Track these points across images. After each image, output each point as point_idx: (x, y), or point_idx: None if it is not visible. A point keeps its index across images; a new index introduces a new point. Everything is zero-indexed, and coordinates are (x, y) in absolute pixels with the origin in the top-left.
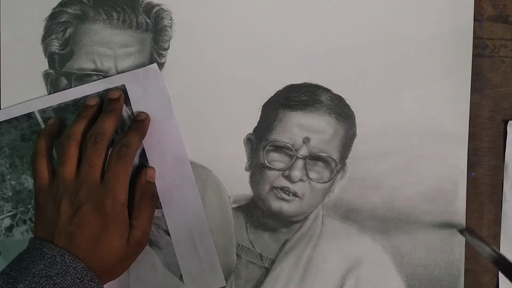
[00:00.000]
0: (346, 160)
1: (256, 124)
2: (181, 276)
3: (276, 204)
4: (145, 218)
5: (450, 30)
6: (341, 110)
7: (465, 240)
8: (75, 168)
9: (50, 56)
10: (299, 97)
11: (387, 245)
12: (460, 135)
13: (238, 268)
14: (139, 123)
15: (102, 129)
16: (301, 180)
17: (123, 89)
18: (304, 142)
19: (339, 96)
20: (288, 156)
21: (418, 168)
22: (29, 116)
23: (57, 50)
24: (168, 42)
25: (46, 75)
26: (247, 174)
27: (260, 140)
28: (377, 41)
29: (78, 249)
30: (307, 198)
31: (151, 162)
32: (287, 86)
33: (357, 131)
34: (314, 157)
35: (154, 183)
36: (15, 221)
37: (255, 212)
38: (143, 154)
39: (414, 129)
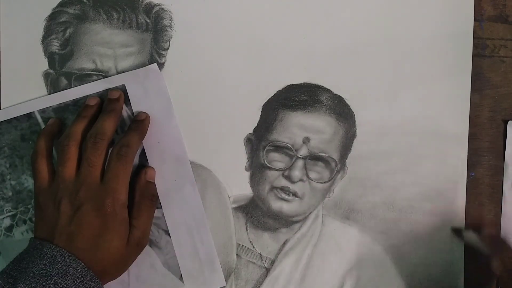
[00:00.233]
0: (346, 160)
1: (256, 124)
2: (181, 276)
3: (276, 204)
4: (145, 218)
5: (450, 30)
6: (341, 110)
7: (465, 240)
8: (75, 168)
9: (50, 56)
10: (299, 97)
11: (387, 245)
12: (460, 135)
13: (238, 268)
14: (139, 123)
15: (102, 129)
16: (301, 180)
17: (123, 89)
18: (304, 142)
19: (339, 96)
20: (288, 156)
21: (418, 168)
22: (29, 116)
23: (57, 50)
24: (168, 42)
25: (46, 75)
26: (247, 174)
27: (260, 140)
28: (377, 41)
29: (78, 249)
30: (307, 198)
31: (151, 162)
32: (287, 86)
33: (357, 131)
34: (314, 157)
35: (154, 183)
36: (15, 221)
37: (255, 212)
38: (143, 154)
39: (414, 129)
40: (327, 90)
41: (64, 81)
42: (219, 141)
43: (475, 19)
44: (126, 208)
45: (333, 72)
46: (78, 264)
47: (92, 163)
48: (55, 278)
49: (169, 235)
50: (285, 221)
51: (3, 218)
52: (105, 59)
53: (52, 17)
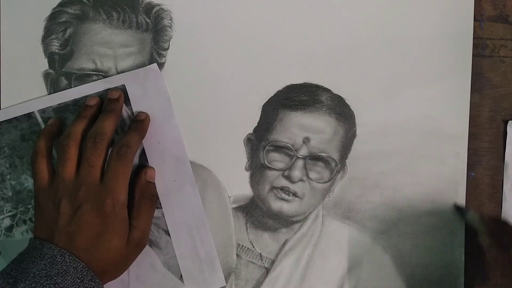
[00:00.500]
0: (346, 160)
1: (256, 124)
2: (181, 276)
3: (276, 204)
4: (145, 218)
5: (450, 30)
6: (341, 110)
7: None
8: (75, 168)
9: (50, 56)
10: (299, 97)
11: (387, 245)
12: (460, 135)
13: (238, 268)
14: (139, 123)
15: (102, 129)
16: (301, 180)
17: (123, 89)
18: (304, 142)
19: (339, 96)
20: (288, 156)
21: (418, 168)
22: (29, 116)
23: (57, 50)
24: (168, 42)
25: (46, 75)
26: (247, 174)
27: (260, 140)
28: (377, 41)
29: (78, 249)
30: (307, 198)
31: (151, 162)
32: (287, 86)
33: (357, 131)
34: (314, 157)
35: (154, 183)
36: (15, 221)
37: (255, 212)
38: (143, 154)
39: (414, 129)
40: (327, 90)
41: (64, 81)
42: (219, 141)
43: (475, 19)
44: (126, 208)
45: (333, 72)
46: (78, 264)
47: (92, 163)
48: (55, 278)
49: (169, 235)
50: (285, 221)
51: (3, 218)
52: (105, 59)
53: (52, 17)
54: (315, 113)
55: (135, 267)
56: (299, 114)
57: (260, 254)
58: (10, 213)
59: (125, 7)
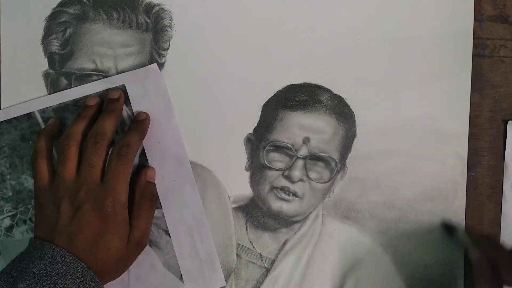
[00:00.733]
0: (346, 160)
1: (256, 124)
2: (181, 276)
3: (276, 204)
4: (145, 218)
5: (450, 30)
6: (341, 110)
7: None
8: (75, 168)
9: (50, 56)
10: (299, 97)
11: (387, 245)
12: (460, 135)
13: (238, 268)
14: (139, 123)
15: (102, 129)
16: (301, 180)
17: (123, 89)
18: (304, 142)
19: (339, 96)
20: (288, 156)
21: (418, 168)
22: (29, 116)
23: (57, 50)
24: (168, 42)
25: (46, 75)
26: (247, 174)
27: (260, 140)
28: (377, 41)
29: (78, 249)
30: (307, 198)
31: (151, 162)
32: (287, 86)
33: (357, 131)
34: (314, 157)
35: (154, 183)
36: (15, 221)
37: (255, 212)
38: (143, 154)
39: (414, 129)
40: (327, 90)
41: (64, 81)
42: (219, 141)
43: (475, 19)
44: (126, 208)
45: (333, 72)
46: (78, 264)
47: (92, 163)
48: (55, 278)
49: (169, 235)
50: (285, 221)
51: (3, 218)
52: (105, 59)
53: (52, 17)
54: (315, 113)
55: (135, 267)
56: (299, 114)
57: (260, 254)
58: (10, 213)
59: (125, 7)
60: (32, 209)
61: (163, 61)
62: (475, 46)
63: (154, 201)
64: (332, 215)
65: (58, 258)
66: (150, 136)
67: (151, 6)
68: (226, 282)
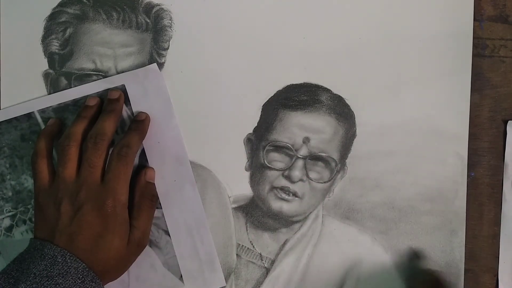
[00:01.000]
0: (346, 160)
1: (256, 124)
2: (181, 276)
3: (276, 204)
4: (145, 219)
5: (450, 30)
6: (341, 110)
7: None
8: (76, 168)
9: (50, 56)
10: (299, 97)
11: (387, 245)
12: (460, 135)
13: (238, 268)
14: (139, 123)
15: (102, 129)
16: (301, 180)
17: (123, 89)
18: (304, 142)
19: (339, 96)
20: (288, 156)
21: (418, 168)
22: (29, 116)
23: (57, 50)
24: (168, 42)
25: (46, 75)
26: (247, 174)
27: (260, 140)
28: (377, 41)
29: (79, 250)
30: (307, 198)
31: (151, 162)
32: (287, 86)
33: (357, 131)
34: (314, 157)
35: (154, 183)
36: (15, 221)
37: (255, 212)
38: (143, 154)
39: (414, 129)
40: (327, 90)
41: (64, 81)
42: (219, 141)
43: (475, 19)
44: (126, 208)
45: (333, 72)
46: (79, 265)
47: (92, 163)
48: (56, 278)
49: (169, 235)
50: (285, 221)
51: (3, 218)
52: (105, 59)
53: (52, 17)
54: (315, 113)
55: (135, 267)
56: (299, 114)
57: (260, 254)
58: (10, 213)
59: (125, 7)
60: (32, 209)
61: (163, 61)
62: (475, 46)
63: (154, 201)
64: (332, 215)
65: (59, 259)
66: (150, 136)
67: (151, 6)
68: (226, 282)
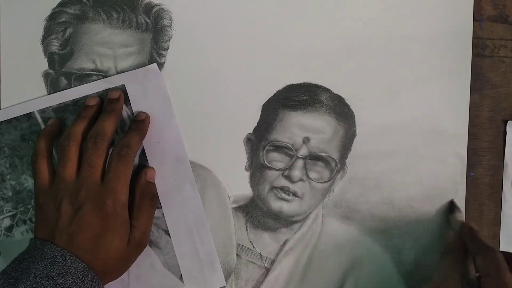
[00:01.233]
0: (346, 160)
1: (256, 124)
2: (181, 276)
3: (276, 204)
4: (145, 218)
5: (450, 30)
6: (341, 110)
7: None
8: (76, 168)
9: (50, 56)
10: (299, 97)
11: (387, 245)
12: (460, 135)
13: (238, 268)
14: (139, 123)
15: (102, 129)
16: (301, 180)
17: (123, 89)
18: (304, 142)
19: (339, 96)
20: (288, 156)
21: (418, 168)
22: (29, 116)
23: (57, 50)
24: (168, 42)
25: (46, 75)
26: (247, 174)
27: (260, 140)
28: (377, 41)
29: (79, 249)
30: (307, 198)
31: (151, 162)
32: (287, 86)
33: (357, 131)
34: (314, 157)
35: (154, 183)
36: (15, 221)
37: (255, 212)
38: (143, 154)
39: (414, 129)
40: (327, 90)
41: (64, 81)
42: (219, 141)
43: (475, 19)
44: (126, 208)
45: (333, 72)
46: (79, 265)
47: (92, 163)
48: (56, 278)
49: (169, 235)
50: (285, 221)
51: (3, 218)
52: (105, 59)
53: (52, 17)
54: (315, 113)
55: (135, 267)
56: (299, 114)
57: (260, 254)
58: (10, 213)
59: (125, 7)
60: (32, 209)
61: (163, 61)
62: (475, 46)
63: (154, 201)
64: (332, 215)
65: (59, 259)
66: (150, 136)
67: (151, 6)
68: (226, 282)
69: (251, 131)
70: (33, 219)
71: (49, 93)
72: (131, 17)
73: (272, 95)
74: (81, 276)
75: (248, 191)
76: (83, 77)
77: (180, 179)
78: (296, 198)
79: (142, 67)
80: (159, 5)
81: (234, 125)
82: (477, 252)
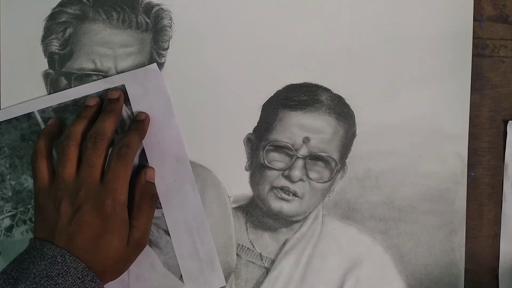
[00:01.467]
0: (346, 160)
1: (256, 124)
2: (181, 276)
3: (276, 204)
4: (145, 218)
5: (450, 30)
6: (341, 110)
7: None
8: (75, 168)
9: (50, 56)
10: (299, 97)
11: (387, 245)
12: (460, 135)
13: (238, 268)
14: (139, 123)
15: (102, 129)
16: (301, 180)
17: (122, 89)
18: (304, 142)
19: (339, 96)
20: (288, 156)
21: (418, 168)
22: (29, 116)
23: (57, 50)
24: (168, 42)
25: (46, 75)
26: (247, 174)
27: (260, 140)
28: (377, 41)
29: (78, 249)
30: (307, 198)
31: (151, 162)
32: (287, 86)
33: (357, 130)
34: (314, 157)
35: (154, 183)
36: (15, 221)
37: (255, 212)
38: (143, 154)
39: (414, 129)
40: (327, 90)
41: (64, 81)
42: (219, 141)
43: (475, 19)
44: (126, 208)
45: (333, 72)
46: (79, 265)
47: (92, 163)
48: (55, 278)
49: (169, 235)
50: (285, 221)
51: (3, 218)
52: (105, 59)
53: (52, 17)
54: (315, 113)
55: (135, 267)
56: (299, 114)
57: (260, 254)
58: (10, 213)
59: (124, 7)
60: (32, 209)
61: (163, 61)
62: (475, 46)
63: (154, 201)
64: (332, 215)
65: (59, 259)
66: (150, 136)
67: (150, 6)
68: (226, 282)
69: (251, 131)
70: (33, 219)
71: (49, 93)
72: (131, 17)
73: (272, 95)
74: (80, 276)
75: (248, 191)
76: (83, 77)
77: (180, 179)
78: (296, 198)
79: (142, 67)
80: (159, 5)
81: (234, 125)
82: None
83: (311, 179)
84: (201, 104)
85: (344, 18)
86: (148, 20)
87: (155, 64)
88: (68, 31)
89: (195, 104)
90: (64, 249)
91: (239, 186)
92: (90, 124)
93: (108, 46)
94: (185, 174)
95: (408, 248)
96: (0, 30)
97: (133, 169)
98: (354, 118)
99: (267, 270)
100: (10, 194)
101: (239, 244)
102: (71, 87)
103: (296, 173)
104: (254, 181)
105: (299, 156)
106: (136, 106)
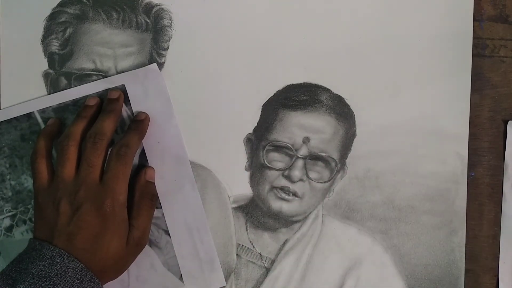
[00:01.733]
0: (346, 160)
1: (256, 124)
2: (181, 276)
3: (276, 204)
4: (145, 218)
5: (450, 30)
6: (341, 110)
7: None
8: (75, 168)
9: (50, 56)
10: (299, 97)
11: (387, 245)
12: (460, 135)
13: (238, 268)
14: (139, 123)
15: (101, 129)
16: (301, 180)
17: (122, 89)
18: (304, 142)
19: (339, 96)
20: (288, 156)
21: (418, 168)
22: (29, 116)
23: (57, 50)
24: (167, 42)
25: (46, 75)
26: (247, 174)
27: (260, 140)
28: (377, 41)
29: (78, 249)
30: (307, 198)
31: (151, 162)
32: (287, 86)
33: (357, 130)
34: (314, 157)
35: (154, 183)
36: (15, 221)
37: (255, 212)
38: (143, 154)
39: (414, 129)
40: (327, 90)
41: (64, 81)
42: (219, 141)
43: (475, 19)
44: (125, 208)
45: (333, 72)
46: (77, 265)
47: (91, 163)
48: (54, 279)
49: (169, 235)
50: (285, 221)
51: (3, 218)
52: (105, 59)
53: (52, 17)
54: (315, 113)
55: (135, 267)
56: (299, 114)
57: (260, 254)
58: (10, 213)
59: (124, 7)
60: (32, 209)
61: (163, 61)
62: (475, 46)
63: (153, 201)
64: (332, 215)
65: (57, 259)
66: (150, 136)
67: (150, 6)
68: (226, 282)
69: (251, 131)
70: (33, 219)
71: (49, 93)
72: (131, 17)
73: (272, 95)
74: (79, 277)
75: (248, 191)
76: (83, 77)
77: (180, 179)
78: (296, 198)
79: (142, 67)
80: (159, 5)
81: (234, 125)
82: None
83: (311, 179)
84: (201, 104)
85: (344, 18)
86: (148, 20)
87: (155, 64)
88: (68, 31)
89: (195, 104)
90: (63, 249)
91: (239, 186)
92: (90, 124)
93: (108, 46)
94: (185, 174)
95: (408, 248)
96: (0, 30)
97: (133, 169)
98: (354, 118)
99: (267, 270)
100: (10, 194)
101: (239, 244)
102: (71, 87)
103: (296, 173)
104: (254, 181)
105: (299, 156)
106: (136, 106)
